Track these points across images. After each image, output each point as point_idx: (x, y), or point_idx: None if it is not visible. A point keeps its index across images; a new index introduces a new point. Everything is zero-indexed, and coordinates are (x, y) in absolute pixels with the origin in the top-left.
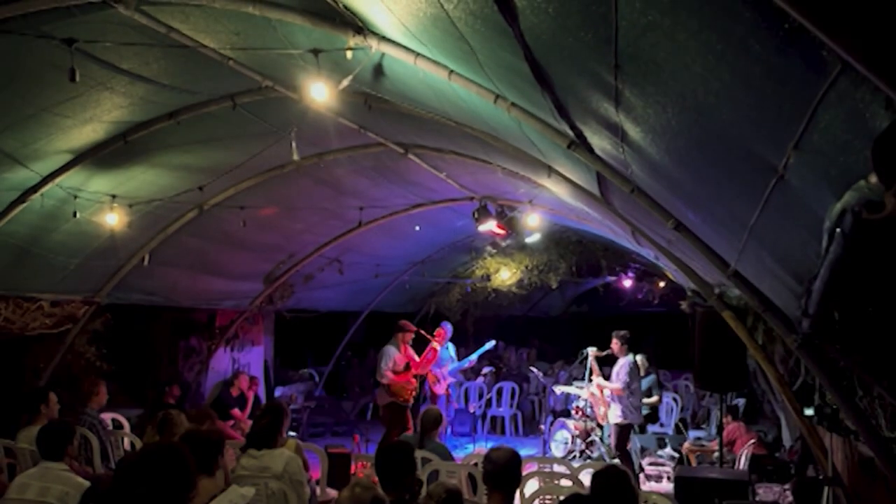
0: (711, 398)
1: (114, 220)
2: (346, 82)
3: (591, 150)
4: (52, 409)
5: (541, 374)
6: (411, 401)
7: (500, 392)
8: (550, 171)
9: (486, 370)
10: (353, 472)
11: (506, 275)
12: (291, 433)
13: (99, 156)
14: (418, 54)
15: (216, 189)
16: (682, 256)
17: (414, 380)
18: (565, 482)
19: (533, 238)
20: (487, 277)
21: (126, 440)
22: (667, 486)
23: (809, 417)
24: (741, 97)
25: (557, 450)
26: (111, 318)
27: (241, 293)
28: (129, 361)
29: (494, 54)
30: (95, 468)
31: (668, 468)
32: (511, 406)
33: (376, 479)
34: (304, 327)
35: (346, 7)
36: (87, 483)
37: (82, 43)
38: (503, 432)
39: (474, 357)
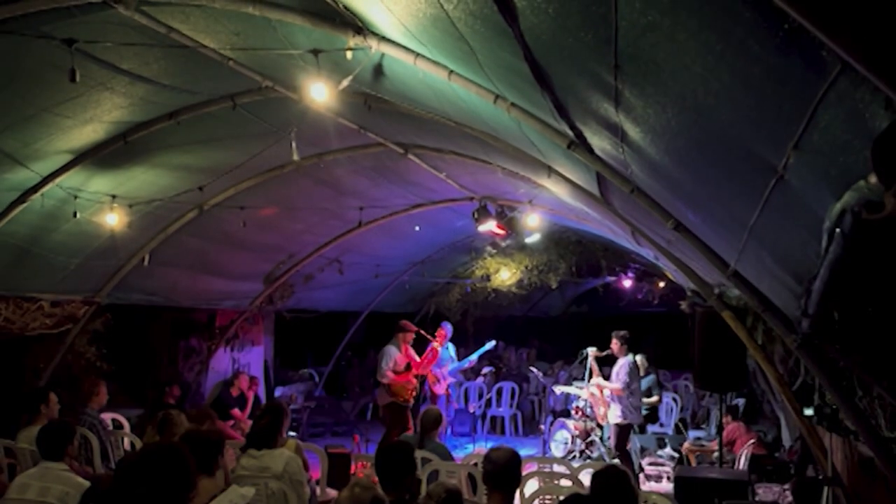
0: (711, 398)
1: (114, 220)
2: (345, 82)
3: (590, 150)
4: (52, 409)
5: (541, 375)
6: (411, 401)
7: (499, 392)
8: (550, 171)
9: (485, 370)
10: (352, 472)
11: (506, 275)
12: (291, 433)
13: (99, 156)
14: (418, 54)
15: (216, 189)
16: (682, 256)
17: (414, 380)
18: (565, 482)
19: (533, 238)
20: (487, 278)
21: (126, 440)
22: (666, 486)
23: (809, 417)
24: (741, 97)
25: (557, 450)
26: (111, 318)
27: (241, 293)
28: (129, 361)
29: (494, 54)
30: (95, 468)
31: (668, 468)
32: (511, 406)
33: (376, 479)
34: (304, 327)
35: (346, 7)
36: (87, 483)
37: (82, 43)
38: (503, 432)
39: (474, 357)
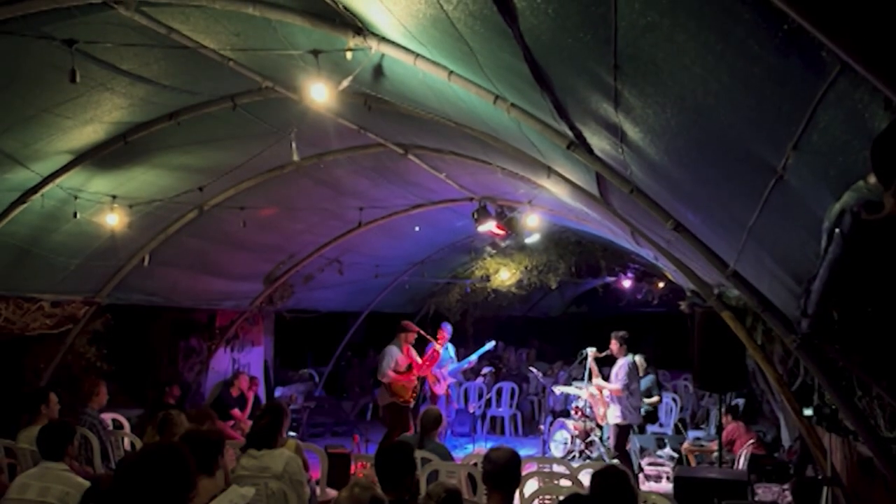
0: (711, 398)
1: (114, 220)
2: (345, 83)
3: (590, 150)
4: (52, 409)
5: (540, 375)
6: (412, 401)
7: (499, 392)
8: (550, 171)
9: (485, 370)
10: (352, 472)
11: (505, 275)
12: (291, 433)
13: (99, 156)
14: (418, 55)
15: (216, 189)
16: (682, 257)
17: (415, 380)
18: (565, 482)
19: (532, 238)
20: (487, 278)
21: (126, 440)
22: (666, 486)
23: (808, 417)
24: (740, 98)
25: (557, 450)
26: (111, 319)
27: (241, 293)
28: (130, 361)
29: (494, 55)
30: (95, 468)
31: (668, 468)
32: (511, 406)
33: (376, 479)
34: (304, 327)
35: (345, 8)
36: (87, 483)
37: (83, 44)
38: (503, 432)
39: (474, 357)
